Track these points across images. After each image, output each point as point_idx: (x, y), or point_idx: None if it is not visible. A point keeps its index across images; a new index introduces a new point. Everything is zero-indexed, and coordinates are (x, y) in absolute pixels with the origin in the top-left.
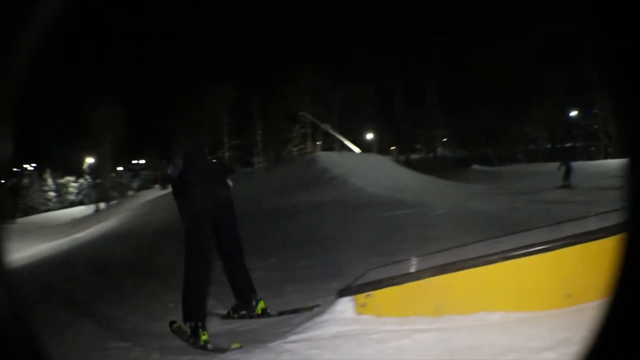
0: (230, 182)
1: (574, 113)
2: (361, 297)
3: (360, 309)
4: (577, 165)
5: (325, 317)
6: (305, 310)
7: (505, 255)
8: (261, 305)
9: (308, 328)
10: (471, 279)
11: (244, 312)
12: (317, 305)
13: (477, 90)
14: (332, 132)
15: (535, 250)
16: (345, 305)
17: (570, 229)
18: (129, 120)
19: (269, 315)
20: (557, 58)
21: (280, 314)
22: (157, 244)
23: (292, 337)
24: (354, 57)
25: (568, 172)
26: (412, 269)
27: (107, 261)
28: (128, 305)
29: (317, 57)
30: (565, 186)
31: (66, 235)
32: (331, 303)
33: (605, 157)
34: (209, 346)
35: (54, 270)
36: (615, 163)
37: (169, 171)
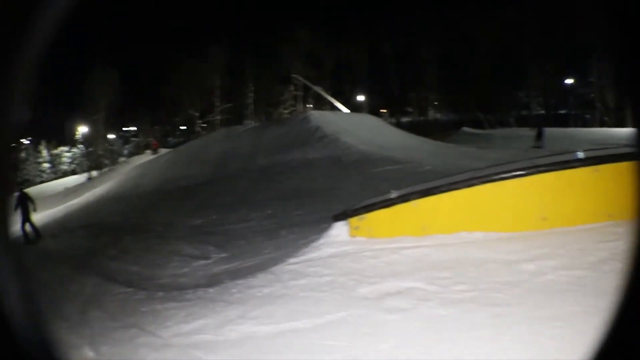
0: None
1: (569, 81)
2: (355, 220)
3: (354, 231)
4: (557, 131)
5: (322, 241)
6: None
7: (484, 179)
8: None
9: (306, 252)
10: (453, 201)
11: None
12: None
13: (471, 54)
14: (323, 94)
15: (513, 175)
16: (340, 230)
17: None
18: (122, 86)
19: None
20: (555, 25)
21: None
22: (151, 203)
23: (292, 260)
24: (346, 20)
25: (540, 135)
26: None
27: (103, 222)
28: (128, 258)
29: (309, 18)
30: (537, 147)
31: (60, 203)
32: (327, 229)
33: (601, 126)
34: None
35: (52, 233)
36: (608, 132)
37: None
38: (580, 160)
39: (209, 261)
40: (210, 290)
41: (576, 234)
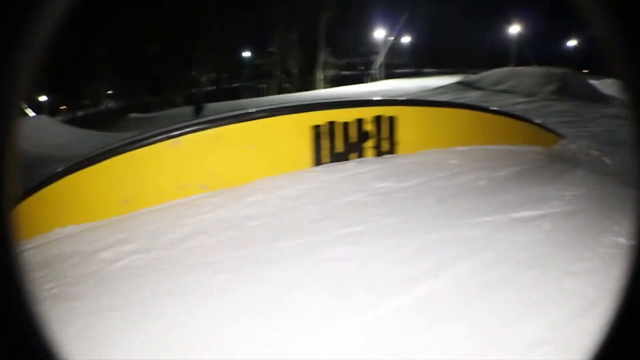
0: None
1: (247, 54)
2: None
3: None
4: (226, 104)
5: None
6: None
7: (61, 172)
8: None
9: None
10: (44, 198)
11: None
12: None
13: (138, 38)
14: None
15: (85, 165)
16: None
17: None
18: None
19: None
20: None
21: None
22: None
23: None
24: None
25: (198, 110)
26: None
27: None
28: None
29: None
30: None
31: None
32: None
33: (279, 93)
34: None
35: None
36: (279, 98)
37: None
38: (156, 135)
39: None
40: None
41: (160, 212)
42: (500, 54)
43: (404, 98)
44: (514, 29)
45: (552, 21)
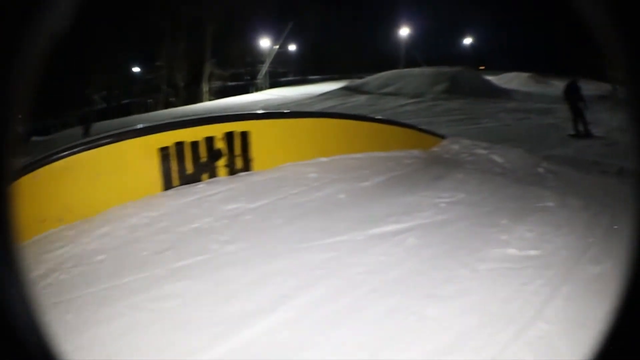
0: None
1: (136, 69)
2: None
3: None
4: (115, 122)
5: None
6: None
7: None
8: None
9: None
10: None
11: None
12: None
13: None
14: None
15: None
16: None
17: None
18: None
19: None
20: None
21: None
22: None
23: None
24: None
25: (86, 130)
26: None
27: None
28: None
29: None
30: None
31: None
32: None
33: (166, 107)
34: None
35: None
36: (164, 113)
37: None
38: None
39: None
40: None
41: (24, 248)
42: (389, 57)
43: (261, 111)
44: (404, 31)
45: (444, 21)
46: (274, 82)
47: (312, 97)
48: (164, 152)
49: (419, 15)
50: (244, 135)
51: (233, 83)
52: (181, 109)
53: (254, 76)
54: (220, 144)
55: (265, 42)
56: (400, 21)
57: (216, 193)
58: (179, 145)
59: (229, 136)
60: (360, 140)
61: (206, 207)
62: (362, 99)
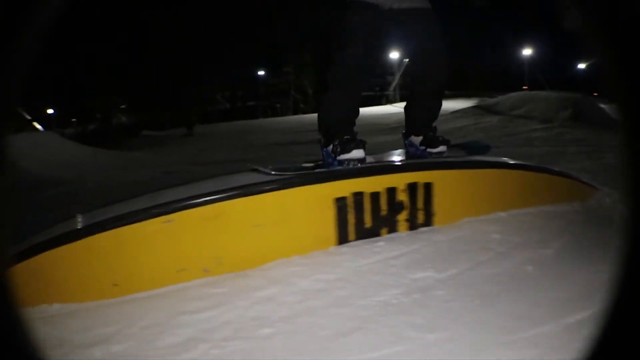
0: None
1: (261, 72)
2: None
3: None
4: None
5: None
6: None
7: (43, 247)
8: None
9: None
10: (26, 271)
11: None
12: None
13: (153, 52)
14: (21, 112)
15: (66, 240)
16: None
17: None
18: None
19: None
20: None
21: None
22: None
23: None
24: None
25: (190, 129)
26: None
27: None
28: None
29: None
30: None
31: None
32: None
33: (295, 113)
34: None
35: None
36: (297, 119)
37: None
38: (144, 211)
39: None
40: None
41: (154, 301)
42: (513, 76)
43: (440, 159)
44: (526, 51)
45: (562, 42)
46: (404, 95)
47: (446, 114)
48: (340, 202)
49: (539, 37)
50: (428, 187)
51: (363, 93)
52: (311, 116)
53: (383, 87)
54: (402, 196)
55: (394, 54)
56: (523, 41)
57: (399, 255)
58: (358, 195)
59: (412, 187)
60: (532, 192)
61: (391, 274)
62: (494, 120)
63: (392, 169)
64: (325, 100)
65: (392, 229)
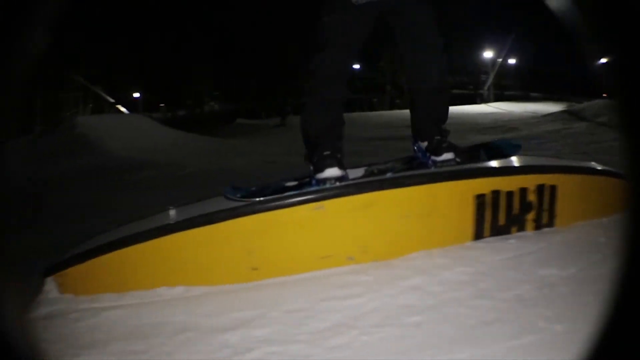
0: None
1: (356, 66)
2: (59, 276)
3: (62, 287)
4: None
5: (39, 297)
6: None
7: (175, 227)
8: None
9: (27, 310)
10: (150, 252)
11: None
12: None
13: (250, 42)
14: (102, 94)
15: (217, 219)
16: (50, 285)
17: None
18: None
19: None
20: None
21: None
22: None
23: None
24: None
25: (283, 120)
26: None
27: None
28: None
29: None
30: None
31: None
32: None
33: (391, 108)
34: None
35: None
36: (394, 114)
37: None
38: (294, 197)
39: None
40: None
41: (296, 286)
42: (594, 83)
43: (565, 163)
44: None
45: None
46: (497, 95)
47: (537, 117)
48: (479, 199)
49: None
50: (553, 189)
51: (457, 91)
52: (406, 112)
53: (476, 86)
54: (532, 197)
55: (488, 54)
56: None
57: (529, 253)
58: (495, 193)
59: (540, 188)
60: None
61: (523, 270)
62: (582, 126)
63: (523, 170)
64: (302, 110)
65: (521, 227)
